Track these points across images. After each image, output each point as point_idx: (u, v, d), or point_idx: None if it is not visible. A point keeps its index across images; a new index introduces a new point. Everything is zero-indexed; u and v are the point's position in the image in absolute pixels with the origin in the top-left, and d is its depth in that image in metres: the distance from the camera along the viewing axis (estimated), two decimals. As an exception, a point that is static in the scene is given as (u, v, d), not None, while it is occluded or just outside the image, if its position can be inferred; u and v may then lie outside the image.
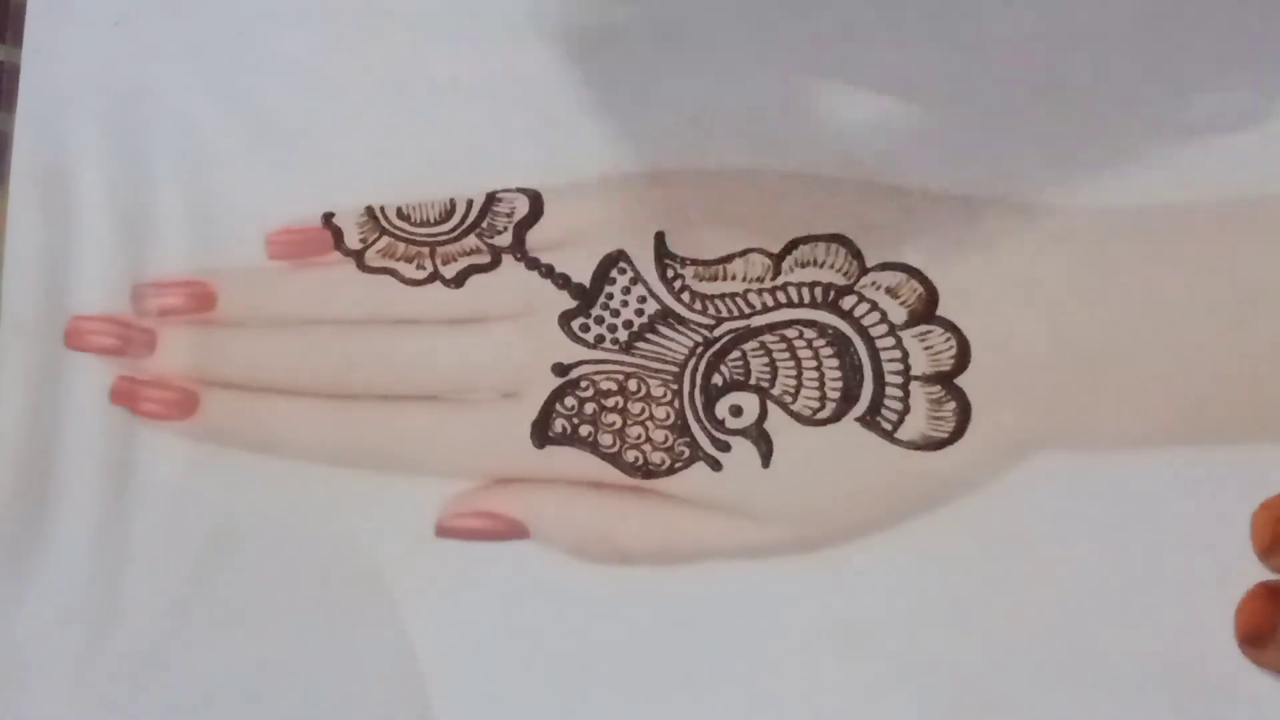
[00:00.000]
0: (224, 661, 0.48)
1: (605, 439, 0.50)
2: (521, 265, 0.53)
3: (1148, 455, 0.48)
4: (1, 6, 0.58)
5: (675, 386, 0.51)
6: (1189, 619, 0.46)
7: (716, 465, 0.50)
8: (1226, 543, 0.47)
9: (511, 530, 0.49)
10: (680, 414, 0.50)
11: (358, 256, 0.54)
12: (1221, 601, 0.46)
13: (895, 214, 0.53)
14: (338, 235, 0.54)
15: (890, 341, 0.51)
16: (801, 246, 0.53)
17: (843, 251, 0.52)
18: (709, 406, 0.50)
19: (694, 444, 0.50)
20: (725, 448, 0.50)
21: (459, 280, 0.53)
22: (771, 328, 0.51)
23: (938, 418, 0.50)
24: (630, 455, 0.50)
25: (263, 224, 0.55)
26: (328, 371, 0.52)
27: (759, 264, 0.53)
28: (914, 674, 0.46)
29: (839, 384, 0.50)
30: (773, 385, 0.51)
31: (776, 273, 0.52)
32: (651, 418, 0.50)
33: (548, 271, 0.53)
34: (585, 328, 0.52)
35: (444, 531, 0.49)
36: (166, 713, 0.48)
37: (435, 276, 0.53)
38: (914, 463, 0.49)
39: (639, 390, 0.51)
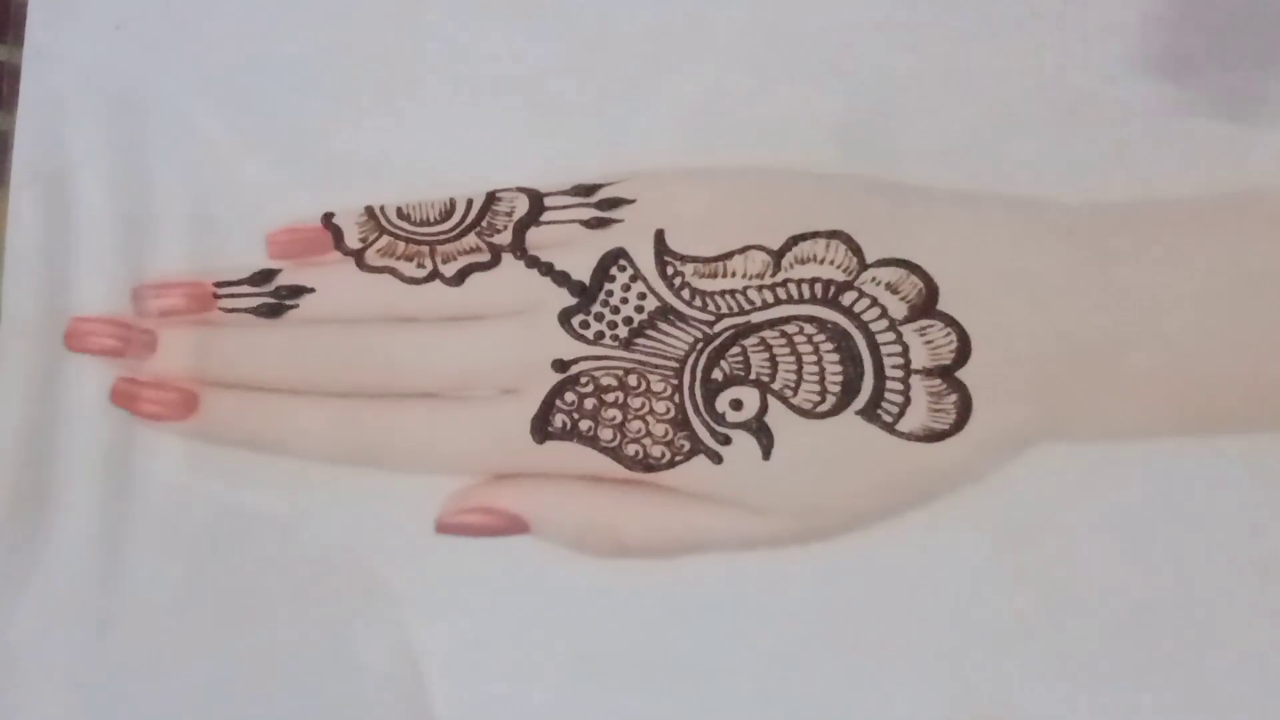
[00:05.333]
0: (223, 661, 0.48)
1: (605, 433, 0.50)
2: (521, 263, 0.53)
3: (1148, 446, 0.48)
4: (2, 6, 0.58)
5: (675, 381, 0.51)
6: (1191, 608, 0.46)
7: (717, 458, 0.49)
8: (1228, 532, 0.47)
9: (511, 525, 0.49)
10: (680, 408, 0.50)
11: (357, 256, 0.54)
12: (1223, 590, 0.46)
13: (895, 209, 0.53)
14: (337, 235, 0.54)
15: (890, 336, 0.51)
16: (801, 243, 0.53)
17: (842, 248, 0.53)
18: (709, 401, 0.50)
19: (694, 437, 0.50)
20: (726, 441, 0.50)
21: (459, 278, 0.53)
22: (772, 324, 0.51)
23: (938, 410, 0.50)
24: (630, 449, 0.50)
25: (263, 224, 0.55)
26: (327, 370, 0.52)
27: (759, 260, 0.53)
28: (915, 665, 0.46)
29: (839, 378, 0.50)
30: (773, 380, 0.50)
31: (776, 269, 0.52)
32: (652, 412, 0.50)
33: (547, 269, 0.53)
34: (585, 325, 0.52)
35: (444, 528, 0.49)
36: (165, 713, 0.48)
37: (435, 275, 0.53)
38: (915, 454, 0.49)
39: (639, 385, 0.51)
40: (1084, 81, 0.52)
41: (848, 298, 0.52)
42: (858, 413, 0.50)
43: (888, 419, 0.50)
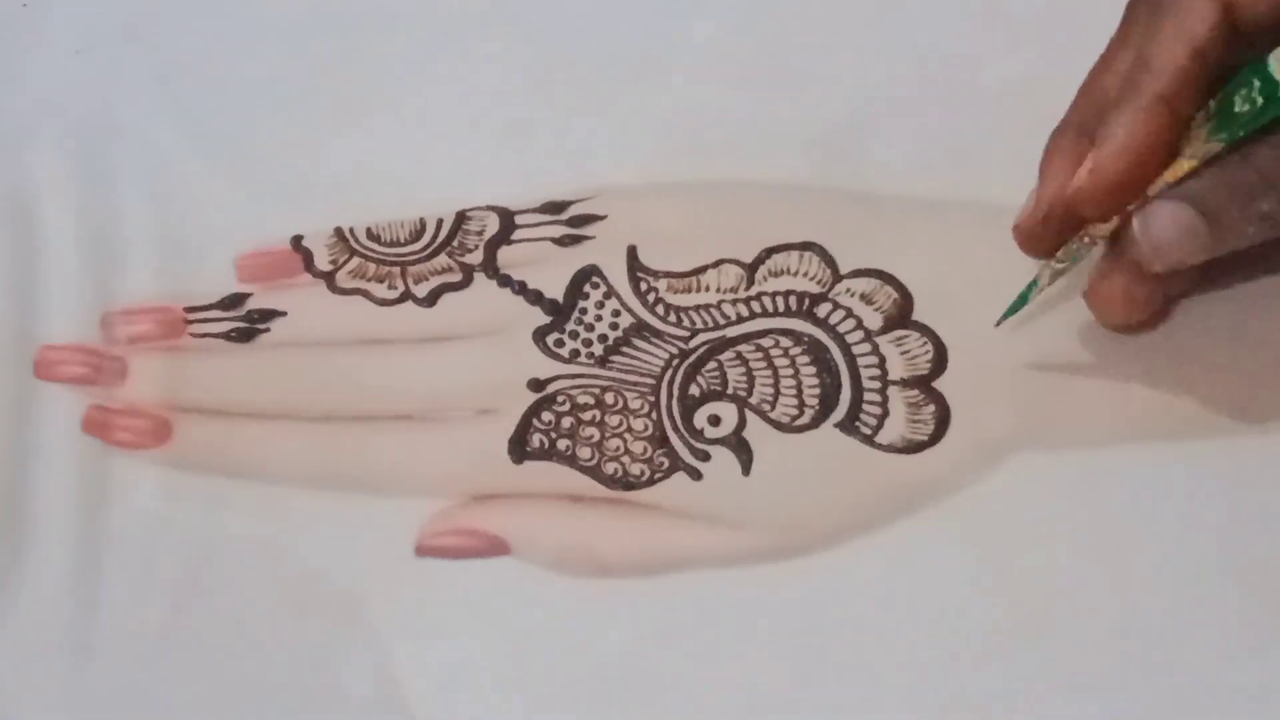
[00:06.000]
0: (205, 690, 0.47)
1: (584, 452, 0.50)
2: (494, 283, 0.53)
3: (1126, 452, 0.48)
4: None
5: (652, 398, 0.51)
6: (1171, 614, 0.46)
7: (696, 475, 0.49)
8: (1207, 538, 0.47)
9: (491, 547, 0.49)
10: (658, 425, 0.50)
11: (328, 278, 0.54)
12: (1203, 596, 0.46)
13: (867, 220, 0.53)
14: (307, 257, 0.54)
15: (867, 348, 0.51)
16: (774, 255, 0.53)
17: (816, 259, 0.53)
18: (687, 417, 0.50)
19: (673, 454, 0.50)
20: (705, 457, 0.50)
21: (431, 299, 0.53)
22: (747, 337, 0.51)
23: (916, 421, 0.50)
24: (609, 467, 0.50)
25: (231, 248, 0.54)
26: (301, 394, 0.52)
27: (732, 274, 0.53)
28: (898, 677, 0.46)
29: (816, 391, 0.50)
30: (750, 394, 0.50)
31: (750, 283, 0.52)
32: (629, 430, 0.50)
33: (520, 288, 0.53)
34: (560, 343, 0.52)
35: (424, 551, 0.49)
36: (147, 744, 0.47)
37: (407, 296, 0.53)
38: (894, 466, 0.49)
39: (616, 403, 0.51)
40: (1055, 90, 0.52)
41: (823, 309, 0.52)
42: (836, 425, 0.50)
43: (866, 431, 0.50)
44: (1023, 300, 0.49)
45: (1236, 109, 0.44)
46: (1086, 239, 0.48)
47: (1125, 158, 0.45)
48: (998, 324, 0.50)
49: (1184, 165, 0.45)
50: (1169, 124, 0.45)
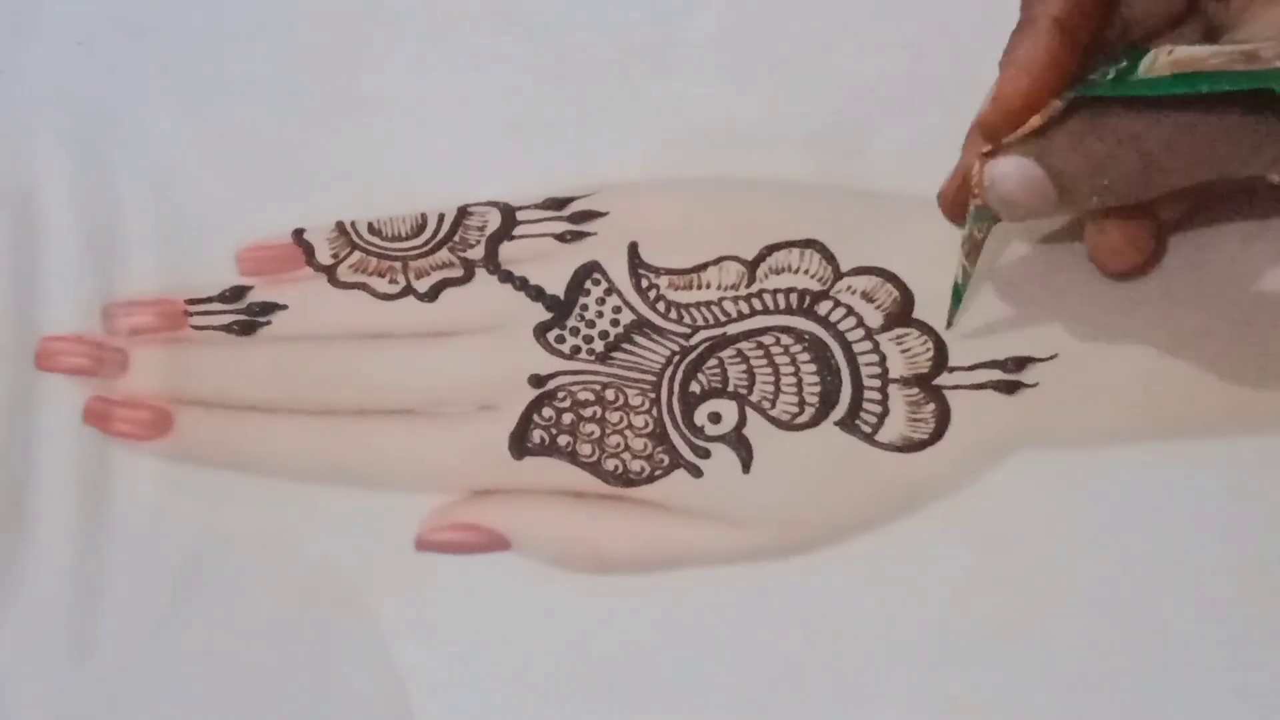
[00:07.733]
0: (205, 684, 0.47)
1: (584, 449, 0.50)
2: (495, 278, 0.53)
3: (1127, 451, 0.48)
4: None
5: (653, 395, 0.51)
6: (1170, 613, 0.46)
7: (697, 472, 0.49)
8: (1206, 537, 0.47)
9: (492, 542, 0.49)
10: (659, 422, 0.50)
11: (329, 272, 0.54)
12: (1202, 595, 0.46)
13: (868, 217, 0.53)
14: (309, 251, 0.54)
15: (867, 345, 0.51)
16: (775, 253, 0.53)
17: (817, 257, 0.53)
18: (687, 414, 0.50)
19: (673, 451, 0.50)
20: (705, 454, 0.50)
21: (432, 294, 0.53)
22: (748, 335, 0.51)
23: (917, 419, 0.50)
24: (610, 464, 0.50)
25: (232, 240, 0.54)
26: (302, 388, 0.52)
27: (733, 271, 0.53)
28: (898, 676, 0.46)
29: (817, 389, 0.50)
30: (750, 392, 0.50)
31: (751, 280, 0.52)
32: (630, 426, 0.50)
33: (521, 284, 0.53)
34: (561, 339, 0.52)
35: (424, 545, 0.49)
36: (146, 738, 0.47)
37: (408, 291, 0.53)
38: (894, 464, 0.49)
39: (617, 400, 0.51)
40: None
41: (823, 307, 0.52)
42: (836, 424, 0.50)
43: (866, 429, 0.50)
44: (958, 293, 0.50)
45: (1094, 75, 0.45)
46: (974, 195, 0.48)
47: (1024, 79, 0.45)
48: (948, 326, 0.51)
49: (1033, 120, 0.45)
50: (1063, 45, 0.45)
